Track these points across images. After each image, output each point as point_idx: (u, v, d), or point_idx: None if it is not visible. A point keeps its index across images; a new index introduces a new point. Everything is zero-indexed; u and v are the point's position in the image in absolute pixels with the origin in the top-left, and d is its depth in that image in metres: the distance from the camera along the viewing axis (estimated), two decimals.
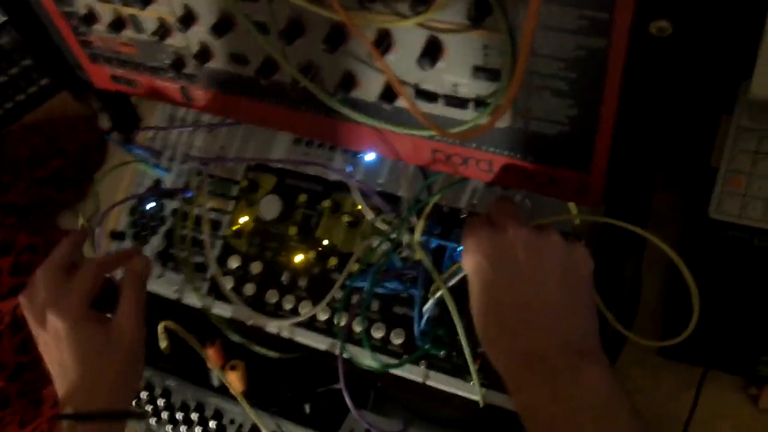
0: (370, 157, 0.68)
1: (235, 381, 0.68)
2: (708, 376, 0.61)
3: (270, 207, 0.70)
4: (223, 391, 0.70)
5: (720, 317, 0.57)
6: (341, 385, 0.61)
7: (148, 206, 0.77)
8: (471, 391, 0.59)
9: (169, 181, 0.78)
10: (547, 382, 0.44)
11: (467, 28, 0.42)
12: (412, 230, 0.61)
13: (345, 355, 0.63)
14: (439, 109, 0.49)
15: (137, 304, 0.61)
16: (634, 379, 0.66)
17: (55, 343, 0.58)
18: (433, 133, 0.48)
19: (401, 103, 0.50)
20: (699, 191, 0.57)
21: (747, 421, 0.62)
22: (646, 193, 0.59)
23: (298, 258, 0.68)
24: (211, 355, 0.69)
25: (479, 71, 0.45)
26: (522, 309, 0.46)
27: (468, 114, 0.48)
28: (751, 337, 0.58)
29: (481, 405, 0.59)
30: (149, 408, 0.76)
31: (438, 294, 0.58)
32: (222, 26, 0.54)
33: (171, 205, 0.76)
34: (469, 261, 0.48)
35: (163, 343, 0.73)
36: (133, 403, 0.65)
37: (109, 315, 0.61)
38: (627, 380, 0.66)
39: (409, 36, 0.45)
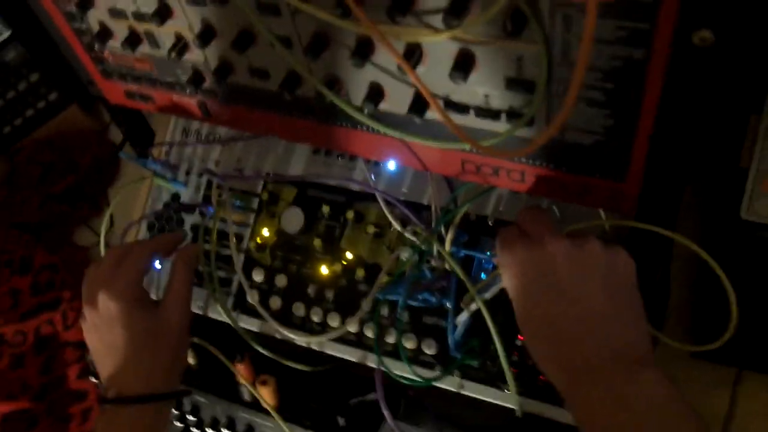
0: (391, 165, 0.67)
1: (266, 396, 0.68)
2: (743, 374, 0.61)
3: (292, 219, 0.69)
4: (253, 406, 0.70)
5: (753, 318, 0.57)
6: (380, 398, 0.60)
7: (167, 221, 0.77)
8: (507, 399, 0.59)
9: (186, 195, 0.77)
10: (599, 393, 0.43)
11: (501, 40, 0.42)
12: (440, 239, 0.61)
13: (382, 368, 0.62)
14: (470, 120, 0.48)
15: (186, 290, 0.63)
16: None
17: (106, 324, 0.59)
18: (469, 146, 0.47)
19: (431, 115, 0.49)
20: (728, 192, 0.56)
21: None
22: (677, 196, 0.58)
23: (324, 270, 0.67)
24: (242, 370, 0.68)
25: (513, 83, 0.44)
26: (568, 321, 0.45)
27: (500, 125, 0.47)
28: None
29: (519, 414, 0.58)
30: (178, 424, 0.76)
31: (473, 306, 0.57)
32: (243, 41, 0.53)
33: (190, 219, 0.76)
34: (509, 277, 0.48)
35: (191, 360, 0.73)
36: None
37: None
38: None
39: (440, 48, 0.45)
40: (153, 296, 0.73)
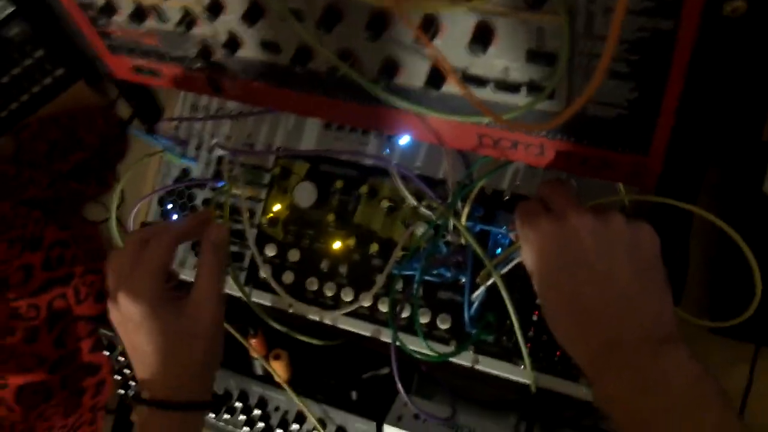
0: (404, 140, 0.66)
1: (279, 369, 0.68)
2: (759, 351, 0.61)
3: (305, 194, 0.69)
4: (266, 379, 0.70)
5: None
6: (395, 373, 0.60)
7: (178, 196, 0.76)
8: (522, 375, 0.59)
9: (196, 170, 0.77)
10: (626, 371, 0.43)
11: (523, 12, 0.40)
12: (456, 214, 0.60)
13: (397, 343, 0.62)
14: (488, 93, 0.47)
15: (217, 280, 0.56)
16: None
17: (130, 326, 0.54)
18: (488, 120, 0.46)
19: (448, 88, 0.48)
20: (750, 167, 0.56)
21: None
22: (701, 171, 0.57)
23: (337, 245, 0.67)
24: (255, 345, 0.68)
25: (533, 55, 0.43)
26: (592, 298, 0.45)
27: (520, 99, 0.46)
28: None
29: (534, 390, 0.58)
30: None
31: (490, 281, 0.57)
32: (253, 14, 0.52)
33: (202, 194, 0.75)
34: (530, 251, 0.47)
35: None
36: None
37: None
38: None
39: (458, 20, 0.43)
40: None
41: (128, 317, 0.54)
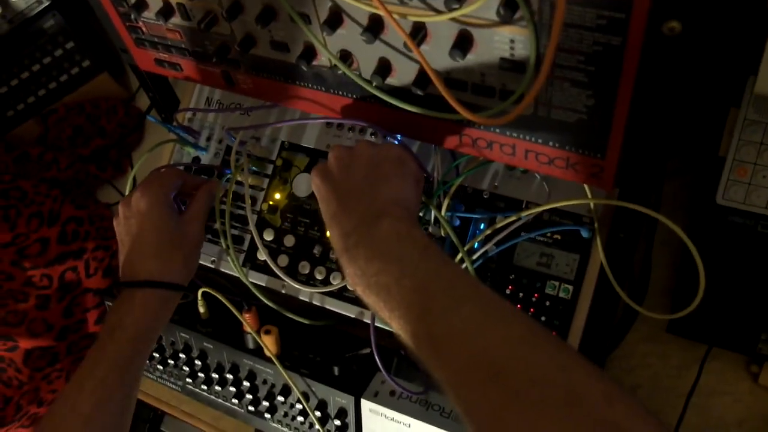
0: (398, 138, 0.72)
1: (269, 344, 0.73)
2: (713, 353, 0.65)
3: (303, 185, 0.75)
4: (256, 353, 0.75)
5: (724, 297, 0.61)
6: (372, 349, 0.66)
7: None
8: None
9: (206, 159, 0.83)
10: (353, 250, 0.52)
11: (496, 24, 0.47)
12: (438, 207, 0.66)
13: (377, 323, 0.67)
14: (467, 96, 0.53)
15: (204, 211, 0.73)
16: (644, 355, 0.70)
17: (134, 216, 0.70)
18: (462, 117, 0.52)
19: (433, 89, 0.54)
20: (707, 179, 0.61)
21: (747, 397, 0.66)
22: (658, 178, 0.63)
23: (329, 233, 0.73)
24: (248, 320, 0.74)
25: (506, 63, 0.49)
26: (331, 203, 0.57)
27: (494, 102, 0.52)
28: (753, 317, 0.62)
29: None
30: (186, 369, 0.82)
31: (463, 267, 0.62)
32: (266, 16, 0.58)
33: None
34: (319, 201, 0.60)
35: (201, 309, 0.79)
36: None
37: None
38: (637, 355, 0.71)
39: (442, 29, 0.50)
40: None
41: (135, 209, 0.70)
